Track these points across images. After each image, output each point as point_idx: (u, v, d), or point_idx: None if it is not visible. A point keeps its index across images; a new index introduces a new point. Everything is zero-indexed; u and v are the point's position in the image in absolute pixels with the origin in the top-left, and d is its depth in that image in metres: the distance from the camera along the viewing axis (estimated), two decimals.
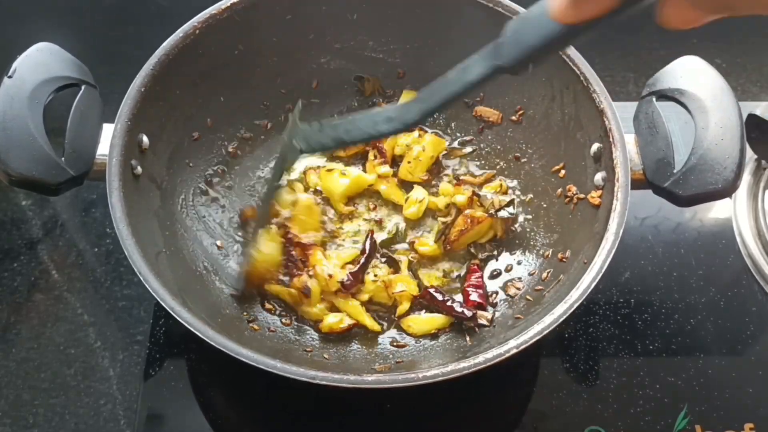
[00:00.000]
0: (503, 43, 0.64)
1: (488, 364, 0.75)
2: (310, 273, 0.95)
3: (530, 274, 0.98)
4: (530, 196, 1.04)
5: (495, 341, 0.80)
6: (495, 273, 1.00)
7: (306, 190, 1.05)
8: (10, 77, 0.84)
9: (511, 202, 1.00)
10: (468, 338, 0.93)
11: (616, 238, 0.82)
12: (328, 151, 1.02)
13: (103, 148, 0.87)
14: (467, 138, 1.11)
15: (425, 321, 0.95)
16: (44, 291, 1.05)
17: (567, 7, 0.57)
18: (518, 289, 0.97)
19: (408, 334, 0.95)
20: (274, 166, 1.01)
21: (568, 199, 0.97)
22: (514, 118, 1.07)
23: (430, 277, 1.00)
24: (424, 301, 0.96)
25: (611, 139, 0.88)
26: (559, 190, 1.00)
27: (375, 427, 0.96)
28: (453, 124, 1.12)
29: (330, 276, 0.94)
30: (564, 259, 0.93)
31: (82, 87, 0.89)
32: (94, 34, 1.34)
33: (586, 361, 1.00)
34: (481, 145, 1.10)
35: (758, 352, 1.01)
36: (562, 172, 1.00)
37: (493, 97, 1.08)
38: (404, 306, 0.96)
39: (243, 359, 0.74)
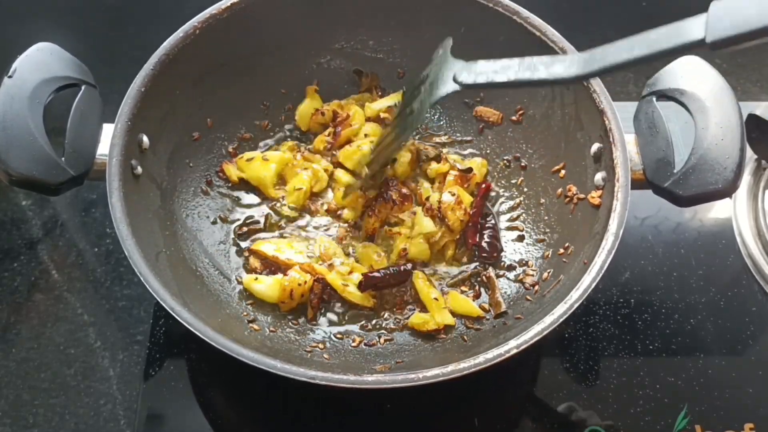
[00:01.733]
0: (713, 19, 0.64)
1: (488, 364, 0.75)
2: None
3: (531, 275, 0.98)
4: (530, 196, 1.04)
5: (495, 341, 0.80)
6: (496, 274, 1.00)
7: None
8: (10, 77, 0.84)
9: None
10: (467, 338, 0.93)
11: (616, 239, 0.82)
12: (486, 87, 0.92)
13: (103, 148, 0.87)
14: (467, 138, 1.11)
15: (463, 301, 0.96)
16: (44, 291, 1.05)
17: None
18: (518, 289, 0.97)
19: (418, 331, 0.95)
20: (419, 95, 0.91)
21: (568, 199, 0.97)
22: (514, 118, 1.07)
23: None
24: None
25: (611, 139, 0.88)
26: (559, 190, 1.00)
27: (375, 427, 0.96)
28: (454, 123, 1.12)
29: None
30: (564, 260, 0.93)
31: (82, 87, 0.89)
32: (94, 34, 1.34)
33: (586, 361, 1.00)
34: (482, 145, 1.10)
35: (758, 352, 1.01)
36: (562, 172, 1.00)
37: (494, 97, 1.08)
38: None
39: (243, 359, 0.74)
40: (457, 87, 0.84)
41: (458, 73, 0.84)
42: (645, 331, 1.02)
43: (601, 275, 0.80)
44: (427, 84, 0.88)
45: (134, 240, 0.80)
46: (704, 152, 0.85)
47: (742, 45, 0.64)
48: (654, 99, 0.91)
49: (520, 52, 0.99)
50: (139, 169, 0.89)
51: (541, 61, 0.79)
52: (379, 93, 1.12)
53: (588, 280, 0.80)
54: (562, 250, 0.94)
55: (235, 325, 0.91)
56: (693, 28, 0.66)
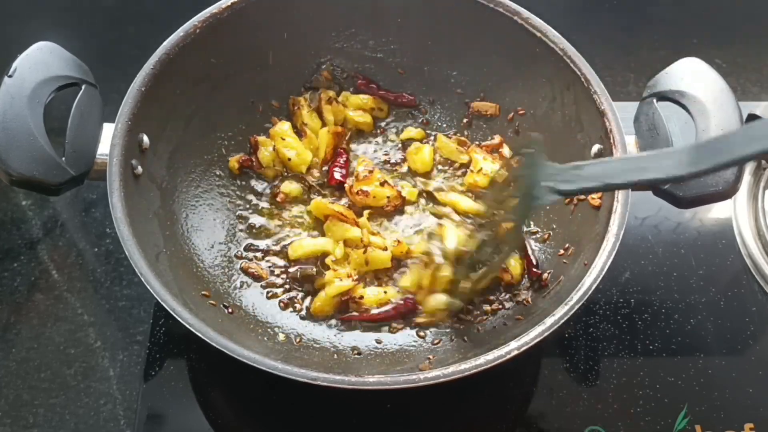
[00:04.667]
0: None
1: (489, 365, 0.75)
2: None
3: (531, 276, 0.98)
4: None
5: (495, 342, 0.80)
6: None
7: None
8: (10, 76, 0.84)
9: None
10: (468, 339, 0.93)
11: (617, 240, 0.82)
12: (589, 193, 0.91)
13: (104, 147, 0.87)
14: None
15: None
16: (44, 291, 1.05)
17: None
18: (518, 290, 0.97)
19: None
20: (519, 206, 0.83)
21: (568, 200, 0.97)
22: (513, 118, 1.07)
23: None
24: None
25: (612, 141, 0.88)
26: None
27: (375, 427, 0.96)
28: (452, 124, 1.12)
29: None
30: (565, 261, 0.93)
31: (83, 86, 0.89)
32: (94, 34, 1.34)
33: (586, 361, 1.00)
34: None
35: (758, 352, 1.01)
36: None
37: (494, 98, 1.08)
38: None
39: (243, 360, 0.74)
40: (558, 197, 0.77)
41: (557, 178, 0.76)
42: (645, 331, 1.02)
43: (601, 277, 0.80)
44: (521, 192, 0.81)
45: (134, 240, 0.80)
46: None
47: None
48: (654, 100, 0.91)
49: (520, 53, 1.00)
50: (140, 169, 0.89)
51: (649, 157, 0.74)
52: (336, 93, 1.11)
53: (589, 281, 0.80)
54: (562, 251, 0.95)
55: (236, 326, 0.91)
56: None
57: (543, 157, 0.78)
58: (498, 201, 0.88)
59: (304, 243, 0.99)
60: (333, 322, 0.96)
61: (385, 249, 0.98)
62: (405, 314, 0.95)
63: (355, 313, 0.95)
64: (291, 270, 0.99)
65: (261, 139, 1.06)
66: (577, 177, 0.75)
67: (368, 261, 0.97)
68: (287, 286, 0.98)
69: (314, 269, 0.98)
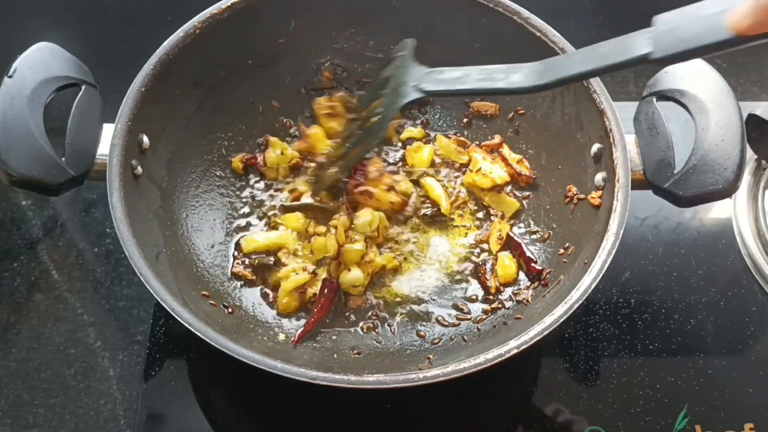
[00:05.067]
0: (658, 35, 0.67)
1: (489, 364, 0.75)
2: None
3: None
4: (530, 196, 1.04)
5: (495, 341, 0.80)
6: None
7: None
8: (10, 77, 0.84)
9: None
10: (467, 339, 0.93)
11: (617, 239, 0.82)
12: (447, 96, 0.99)
13: (104, 148, 0.87)
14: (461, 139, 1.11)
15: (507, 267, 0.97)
16: (44, 291, 1.05)
17: (751, 21, 0.59)
18: (518, 289, 0.97)
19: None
20: (382, 102, 0.90)
21: (568, 199, 0.97)
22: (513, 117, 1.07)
23: None
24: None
25: (612, 140, 0.88)
26: (559, 191, 0.99)
27: (375, 427, 0.96)
28: (450, 121, 1.12)
29: None
30: (564, 260, 0.93)
31: (83, 87, 0.89)
32: (94, 34, 1.34)
33: (586, 361, 1.00)
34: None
35: (758, 352, 1.01)
36: (563, 172, 1.00)
37: (494, 98, 1.08)
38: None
39: (243, 360, 0.74)
40: (420, 95, 0.85)
41: (421, 80, 0.85)
42: (645, 331, 1.02)
43: (601, 276, 0.80)
44: (390, 89, 0.88)
45: (134, 240, 0.80)
46: (704, 153, 0.85)
47: (687, 59, 0.67)
48: (654, 99, 0.91)
49: (520, 53, 1.00)
50: (140, 169, 0.89)
51: (501, 70, 0.81)
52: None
53: (588, 280, 0.80)
54: (562, 251, 0.95)
55: (236, 326, 0.91)
56: (641, 43, 0.69)
57: (413, 60, 0.87)
58: (369, 100, 0.93)
59: (257, 237, 1.00)
60: (307, 339, 0.95)
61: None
62: (333, 299, 0.95)
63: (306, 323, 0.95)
64: (250, 259, 0.99)
65: (272, 139, 1.06)
66: (438, 79, 0.84)
67: (313, 250, 0.98)
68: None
69: (272, 260, 0.98)
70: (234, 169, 1.05)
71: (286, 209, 1.02)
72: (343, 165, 0.97)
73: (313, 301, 0.95)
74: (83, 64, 0.92)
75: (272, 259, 0.98)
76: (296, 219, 1.01)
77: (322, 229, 0.99)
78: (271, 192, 1.05)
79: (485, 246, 1.01)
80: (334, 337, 0.94)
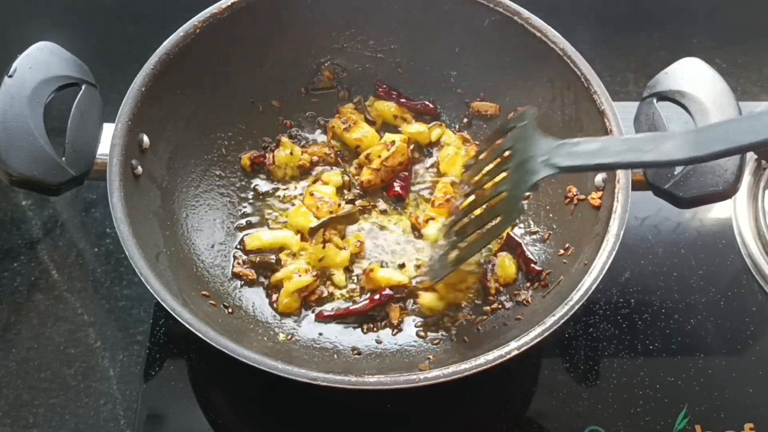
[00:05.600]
0: None
1: (489, 365, 0.75)
2: None
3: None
4: (530, 197, 1.04)
5: (496, 342, 0.80)
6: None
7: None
8: (10, 77, 0.84)
9: None
10: (468, 339, 0.93)
11: (617, 240, 0.82)
12: (585, 171, 0.90)
13: (104, 147, 0.87)
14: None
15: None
16: (44, 291, 1.05)
17: None
18: (519, 290, 0.97)
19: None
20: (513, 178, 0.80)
21: (568, 200, 0.97)
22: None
23: None
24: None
25: None
26: (559, 191, 0.99)
27: (375, 427, 0.96)
28: (455, 123, 1.12)
29: None
30: (565, 261, 0.93)
31: (83, 86, 0.89)
32: (94, 34, 1.34)
33: (586, 361, 1.00)
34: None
35: (758, 352, 1.01)
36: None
37: (494, 98, 1.08)
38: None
39: (243, 360, 0.74)
40: (554, 171, 0.75)
41: (552, 153, 0.75)
42: (645, 331, 1.02)
43: (601, 276, 0.80)
44: (514, 164, 0.79)
45: (135, 240, 0.80)
46: None
47: None
48: (654, 100, 0.92)
49: (520, 53, 1.00)
50: (140, 169, 0.89)
51: (647, 139, 0.73)
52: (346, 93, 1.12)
53: (588, 281, 0.80)
54: (562, 251, 0.95)
55: (236, 326, 0.91)
56: None
57: (536, 130, 0.77)
58: (483, 172, 0.86)
59: (261, 235, 1.00)
60: (333, 322, 0.96)
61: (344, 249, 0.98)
62: (377, 306, 0.96)
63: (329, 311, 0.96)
64: (251, 257, 0.99)
65: (284, 140, 1.06)
66: (573, 153, 0.74)
67: (324, 257, 0.97)
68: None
69: (273, 258, 0.98)
70: (242, 166, 1.05)
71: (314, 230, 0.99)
72: (466, 252, 0.87)
73: (315, 300, 0.96)
74: (83, 64, 0.92)
75: (274, 257, 0.98)
76: (305, 215, 1.00)
77: (339, 240, 0.99)
78: (271, 192, 1.05)
79: None
80: (334, 338, 0.94)
